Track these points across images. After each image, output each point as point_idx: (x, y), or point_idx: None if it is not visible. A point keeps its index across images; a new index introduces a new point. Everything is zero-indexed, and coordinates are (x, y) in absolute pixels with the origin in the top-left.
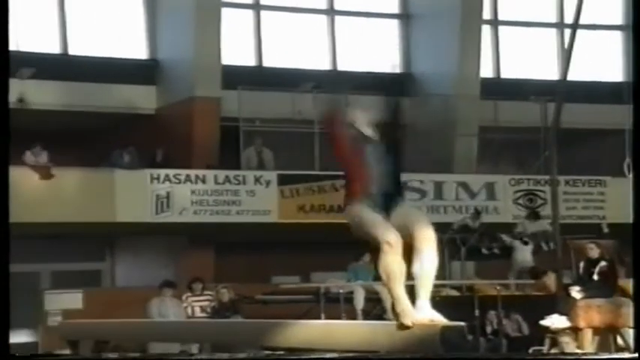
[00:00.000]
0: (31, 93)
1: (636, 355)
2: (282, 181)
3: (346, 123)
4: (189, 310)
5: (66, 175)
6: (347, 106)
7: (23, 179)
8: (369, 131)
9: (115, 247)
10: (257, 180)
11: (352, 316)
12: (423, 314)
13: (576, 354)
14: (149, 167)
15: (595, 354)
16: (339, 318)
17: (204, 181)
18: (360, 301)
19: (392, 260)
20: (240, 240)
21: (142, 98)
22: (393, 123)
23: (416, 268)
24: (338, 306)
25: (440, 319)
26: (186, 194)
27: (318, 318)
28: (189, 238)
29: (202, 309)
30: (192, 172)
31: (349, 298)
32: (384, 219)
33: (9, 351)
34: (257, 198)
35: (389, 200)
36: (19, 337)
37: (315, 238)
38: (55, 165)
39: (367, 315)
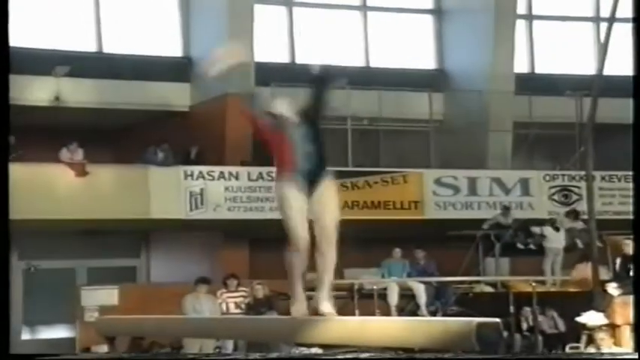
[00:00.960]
0: (67, 91)
1: (636, 355)
2: None
3: (263, 113)
4: (224, 307)
5: (101, 172)
6: (271, 98)
7: (59, 176)
8: (290, 116)
9: (150, 243)
10: None
11: (386, 312)
12: (319, 307)
13: (577, 354)
14: (183, 164)
15: (595, 354)
16: (372, 314)
17: (237, 178)
18: (393, 298)
19: (294, 258)
20: (275, 236)
21: (176, 95)
22: (314, 108)
23: (318, 264)
24: (372, 302)
25: (331, 313)
26: (219, 191)
27: (353, 314)
28: (224, 234)
29: (237, 305)
30: (226, 169)
31: (383, 295)
32: (300, 208)
33: (9, 351)
34: None
35: (313, 175)
36: (57, 333)
37: (348, 235)
38: (90, 162)
39: (401, 311)
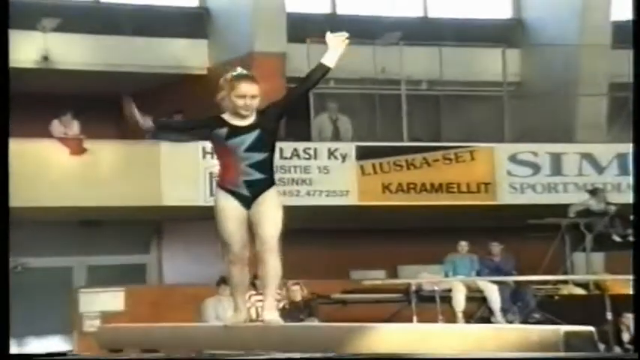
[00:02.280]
0: (57, 49)
1: (636, 355)
2: (363, 154)
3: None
4: (253, 312)
5: (101, 150)
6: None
7: (50, 154)
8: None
9: (162, 236)
10: (331, 153)
11: (451, 318)
12: (262, 315)
13: (581, 354)
14: (201, 139)
15: (595, 354)
16: (434, 321)
17: None
18: (460, 301)
19: (234, 271)
20: (313, 227)
21: (192, 55)
22: (280, 111)
23: (261, 274)
24: (433, 307)
25: (274, 321)
26: None
27: (410, 321)
28: None
29: None
30: None
31: (447, 297)
32: (237, 218)
33: (9, 351)
34: (332, 175)
35: (257, 186)
36: (50, 345)
37: (403, 224)
38: (88, 137)
39: (469, 318)
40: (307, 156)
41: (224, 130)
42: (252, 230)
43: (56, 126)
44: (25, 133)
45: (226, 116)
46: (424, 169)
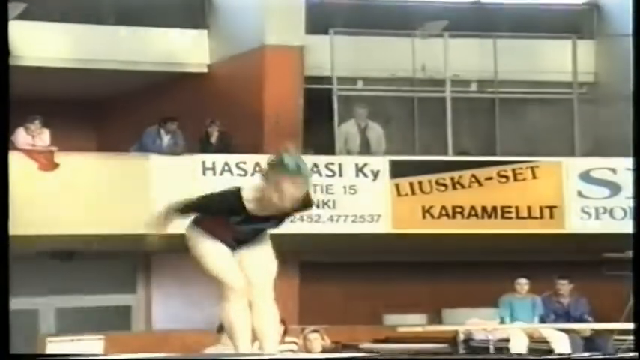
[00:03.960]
0: (22, 41)
1: (636, 354)
2: (398, 171)
3: None
4: None
5: (77, 164)
6: None
7: (15, 170)
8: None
9: (151, 271)
10: (360, 170)
11: None
12: None
13: (577, 354)
14: (200, 152)
15: (595, 354)
16: None
17: None
18: (520, 351)
19: (234, 308)
20: (336, 260)
21: (190, 49)
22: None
23: (255, 324)
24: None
25: None
26: None
27: None
28: None
29: None
30: (264, 159)
31: (503, 348)
32: (224, 254)
33: (9, 351)
34: (360, 197)
35: (248, 240)
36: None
37: (448, 257)
38: (60, 149)
39: None
40: (330, 173)
41: (239, 218)
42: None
43: (22, 135)
44: None
45: (247, 196)
46: (474, 190)
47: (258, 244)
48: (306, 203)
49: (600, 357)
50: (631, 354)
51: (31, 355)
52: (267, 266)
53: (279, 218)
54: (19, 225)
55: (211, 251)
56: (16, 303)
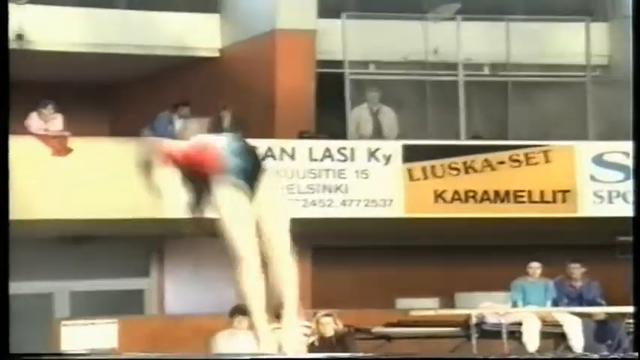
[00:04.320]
0: (35, 25)
1: (636, 354)
2: (410, 155)
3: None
4: (276, 350)
5: (90, 149)
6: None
7: (27, 155)
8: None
9: (164, 255)
10: (372, 154)
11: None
12: (283, 346)
13: (578, 354)
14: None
15: (595, 354)
16: None
17: (293, 157)
18: (532, 337)
19: (247, 278)
20: (348, 245)
21: (202, 33)
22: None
23: (271, 286)
24: (499, 343)
25: (299, 346)
26: None
27: None
28: None
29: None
30: (276, 144)
31: (516, 332)
32: (242, 214)
33: (9, 350)
34: (372, 181)
35: (249, 174)
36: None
37: (460, 241)
38: (73, 134)
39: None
40: (342, 157)
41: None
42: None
43: (35, 120)
44: None
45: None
46: (486, 174)
47: (267, 188)
48: None
49: (600, 357)
50: (631, 354)
51: (31, 354)
52: (280, 212)
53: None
54: (32, 210)
55: (228, 211)
56: (31, 287)
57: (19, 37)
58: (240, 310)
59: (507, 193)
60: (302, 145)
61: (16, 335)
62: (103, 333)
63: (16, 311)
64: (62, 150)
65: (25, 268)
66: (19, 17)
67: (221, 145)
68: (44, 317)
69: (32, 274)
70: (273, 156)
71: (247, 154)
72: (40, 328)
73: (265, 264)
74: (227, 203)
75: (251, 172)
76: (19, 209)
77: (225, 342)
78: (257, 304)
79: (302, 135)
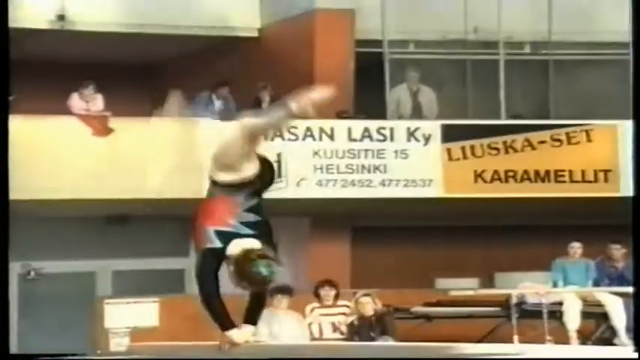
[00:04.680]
0: (76, 6)
1: (636, 355)
2: (450, 135)
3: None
4: (316, 329)
5: (130, 129)
6: None
7: (68, 135)
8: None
9: None
10: (411, 134)
11: (562, 338)
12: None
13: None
14: (252, 116)
15: (595, 354)
16: (541, 342)
17: (332, 137)
18: (574, 317)
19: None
20: (387, 224)
21: (241, 13)
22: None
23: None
24: (539, 323)
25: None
26: (306, 157)
27: (509, 341)
28: (312, 221)
29: (335, 327)
30: (315, 124)
31: (556, 312)
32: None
33: (9, 351)
34: (412, 161)
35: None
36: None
37: (500, 221)
38: (114, 114)
39: (586, 338)
40: (381, 137)
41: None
42: None
43: (76, 100)
44: (38, 108)
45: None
46: (527, 154)
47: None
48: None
49: (600, 357)
50: (631, 354)
51: (31, 355)
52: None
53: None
54: (74, 190)
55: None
56: (75, 266)
57: (61, 17)
58: (280, 290)
59: (548, 172)
60: (341, 125)
61: (60, 313)
62: (144, 312)
63: (60, 290)
64: (103, 130)
65: (68, 248)
66: None
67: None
68: (87, 296)
69: (75, 253)
70: (312, 136)
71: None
72: (84, 306)
73: None
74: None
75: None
76: (62, 189)
77: (265, 320)
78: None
79: (341, 115)
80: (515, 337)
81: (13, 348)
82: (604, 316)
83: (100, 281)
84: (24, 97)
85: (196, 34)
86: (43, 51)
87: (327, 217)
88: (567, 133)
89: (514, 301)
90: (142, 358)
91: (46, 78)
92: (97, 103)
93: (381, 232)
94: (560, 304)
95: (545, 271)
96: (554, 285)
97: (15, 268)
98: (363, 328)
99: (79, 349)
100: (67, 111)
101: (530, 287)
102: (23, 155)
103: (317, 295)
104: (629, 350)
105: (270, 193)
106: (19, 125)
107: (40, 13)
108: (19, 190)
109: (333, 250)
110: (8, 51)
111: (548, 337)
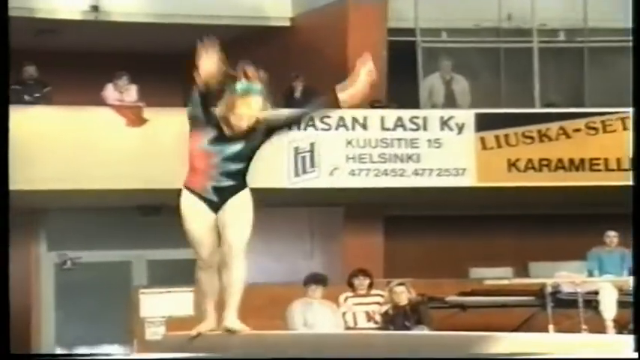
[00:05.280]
0: None
1: (636, 355)
2: (484, 123)
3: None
4: (350, 318)
5: (164, 119)
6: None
7: (103, 125)
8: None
9: None
10: (445, 123)
11: (598, 327)
12: (225, 323)
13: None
14: (284, 106)
15: (595, 354)
16: (577, 330)
17: (365, 127)
18: (609, 307)
19: (203, 277)
20: (421, 214)
21: (273, 3)
22: (260, 127)
23: (224, 279)
24: (574, 313)
25: (239, 330)
26: (339, 146)
27: (544, 330)
28: (346, 210)
29: (369, 316)
30: (348, 114)
31: (592, 301)
32: (204, 222)
33: (9, 350)
34: (445, 150)
35: (226, 192)
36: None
37: (535, 210)
38: (148, 105)
39: (622, 328)
40: (415, 126)
41: (213, 134)
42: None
43: (110, 91)
44: (72, 99)
45: (218, 114)
46: (561, 142)
47: (237, 201)
48: (272, 124)
49: (601, 357)
50: (631, 354)
51: (31, 355)
52: (242, 224)
53: (244, 135)
54: (109, 180)
55: (192, 214)
56: (108, 256)
57: (94, 8)
58: (314, 279)
59: (582, 161)
60: (374, 115)
61: (96, 303)
62: (179, 301)
63: (96, 279)
64: (137, 120)
65: (104, 238)
66: None
67: (217, 167)
68: (123, 285)
69: (111, 243)
70: (345, 125)
71: (237, 176)
72: (119, 295)
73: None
74: (191, 214)
75: (228, 192)
76: (97, 179)
77: (300, 310)
78: (209, 298)
79: (374, 104)
80: (551, 327)
81: (51, 338)
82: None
83: (135, 271)
84: (59, 88)
85: (229, 23)
86: (78, 42)
87: (360, 206)
88: (603, 121)
89: (549, 290)
90: (142, 358)
91: (81, 69)
92: (131, 93)
93: (414, 222)
94: (596, 293)
95: (580, 261)
96: (590, 274)
97: (52, 258)
98: (397, 317)
99: (115, 339)
100: (101, 102)
101: (566, 276)
102: (58, 146)
103: (350, 285)
104: (629, 350)
105: (304, 183)
106: (54, 116)
107: (74, 4)
108: (55, 180)
109: (366, 240)
110: (8, 46)
111: (583, 327)
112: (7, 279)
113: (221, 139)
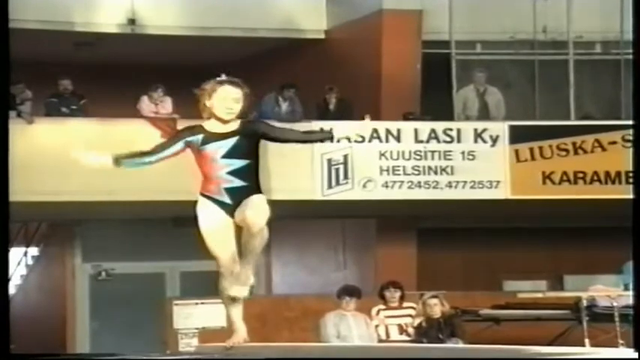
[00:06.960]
0: (146, 10)
1: (636, 355)
2: (518, 136)
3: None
4: (383, 331)
5: None
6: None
7: (138, 138)
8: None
9: (270, 237)
10: (479, 135)
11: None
12: (228, 291)
13: (576, 353)
14: (318, 119)
15: (595, 353)
16: (613, 345)
17: (399, 139)
18: None
19: (224, 283)
20: (455, 226)
21: (307, 15)
22: (254, 124)
23: (244, 244)
24: (611, 327)
25: (241, 298)
26: (372, 158)
27: (580, 344)
28: (379, 223)
29: (402, 329)
30: (382, 125)
31: (628, 315)
32: (223, 229)
33: (9, 350)
34: (479, 162)
35: (239, 194)
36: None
37: (570, 223)
38: (182, 117)
39: None
40: (448, 138)
41: (199, 137)
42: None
43: (145, 103)
44: (108, 111)
45: (205, 124)
46: (597, 155)
47: (253, 200)
48: (264, 129)
49: (600, 357)
50: (631, 354)
51: (31, 355)
52: (260, 209)
53: (237, 130)
54: (143, 192)
55: (209, 221)
56: (143, 267)
57: (131, 21)
58: (347, 292)
59: (619, 174)
60: (408, 127)
61: (130, 313)
62: (212, 312)
63: (130, 290)
64: (172, 132)
65: (136, 250)
66: (131, 2)
67: (222, 166)
68: (156, 296)
69: (145, 254)
70: (378, 137)
71: (246, 174)
72: (153, 306)
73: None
74: (209, 219)
75: (241, 193)
76: (131, 191)
77: (333, 322)
78: (233, 306)
79: (407, 116)
80: (587, 341)
81: (86, 347)
82: None
83: (169, 282)
84: (95, 100)
85: (263, 36)
86: (114, 55)
87: (393, 218)
88: None
89: (584, 304)
90: (142, 358)
91: (117, 81)
92: (166, 105)
93: (448, 234)
94: (631, 307)
95: (616, 274)
96: (626, 288)
97: (86, 270)
98: (431, 330)
99: (148, 350)
100: (137, 114)
101: (602, 290)
102: (94, 158)
103: (382, 297)
104: (629, 350)
105: (337, 195)
106: (90, 128)
107: (112, 17)
108: (90, 192)
109: (400, 252)
110: (8, 51)
111: (620, 341)
112: (7, 280)
113: (211, 137)
